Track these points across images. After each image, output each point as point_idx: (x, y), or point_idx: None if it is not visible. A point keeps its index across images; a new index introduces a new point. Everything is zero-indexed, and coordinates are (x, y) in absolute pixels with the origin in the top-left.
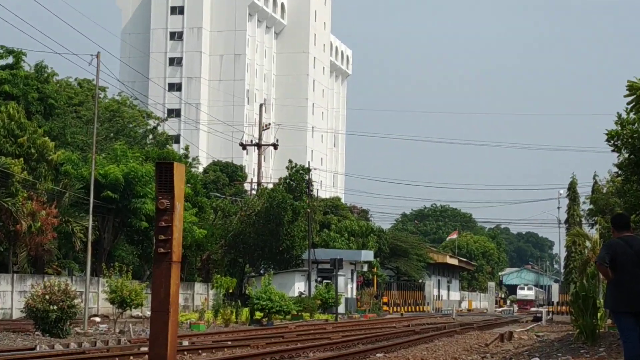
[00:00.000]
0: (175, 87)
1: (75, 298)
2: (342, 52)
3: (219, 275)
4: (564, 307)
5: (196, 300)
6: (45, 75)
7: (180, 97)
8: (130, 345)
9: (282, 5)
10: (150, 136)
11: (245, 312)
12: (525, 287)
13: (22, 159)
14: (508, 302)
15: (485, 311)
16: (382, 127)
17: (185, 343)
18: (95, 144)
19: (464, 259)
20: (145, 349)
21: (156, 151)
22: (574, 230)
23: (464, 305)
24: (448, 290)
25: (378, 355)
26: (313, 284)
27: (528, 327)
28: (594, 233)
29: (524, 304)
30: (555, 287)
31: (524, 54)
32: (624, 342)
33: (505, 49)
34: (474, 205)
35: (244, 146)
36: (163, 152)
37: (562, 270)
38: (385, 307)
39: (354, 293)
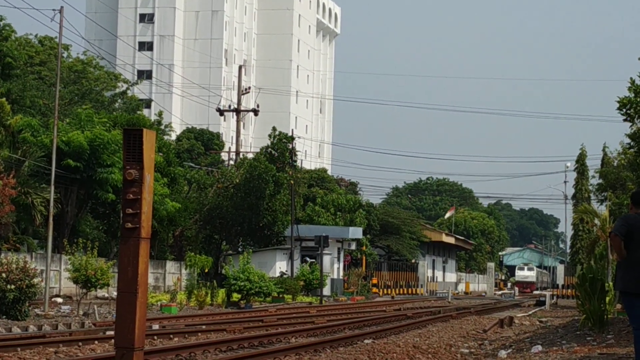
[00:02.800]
0: (146, 46)
1: (35, 277)
2: (329, 10)
3: (192, 253)
4: (569, 291)
5: (168, 280)
6: (5, 33)
7: (152, 57)
8: (95, 329)
9: None
10: (119, 100)
11: (221, 293)
12: (525, 268)
13: None
14: (509, 284)
15: (483, 294)
16: (373, 92)
17: (156, 327)
18: (58, 108)
19: (461, 237)
20: (111, 332)
21: (125, 117)
22: (581, 207)
23: (461, 287)
24: (443, 271)
25: (366, 341)
26: (296, 263)
27: (530, 312)
28: (603, 210)
29: (524, 286)
30: (560, 269)
31: (530, 15)
32: (634, 330)
33: (509, 10)
34: (472, 178)
35: (221, 112)
36: (133, 118)
37: (568, 251)
38: (374, 289)
39: (341, 274)
